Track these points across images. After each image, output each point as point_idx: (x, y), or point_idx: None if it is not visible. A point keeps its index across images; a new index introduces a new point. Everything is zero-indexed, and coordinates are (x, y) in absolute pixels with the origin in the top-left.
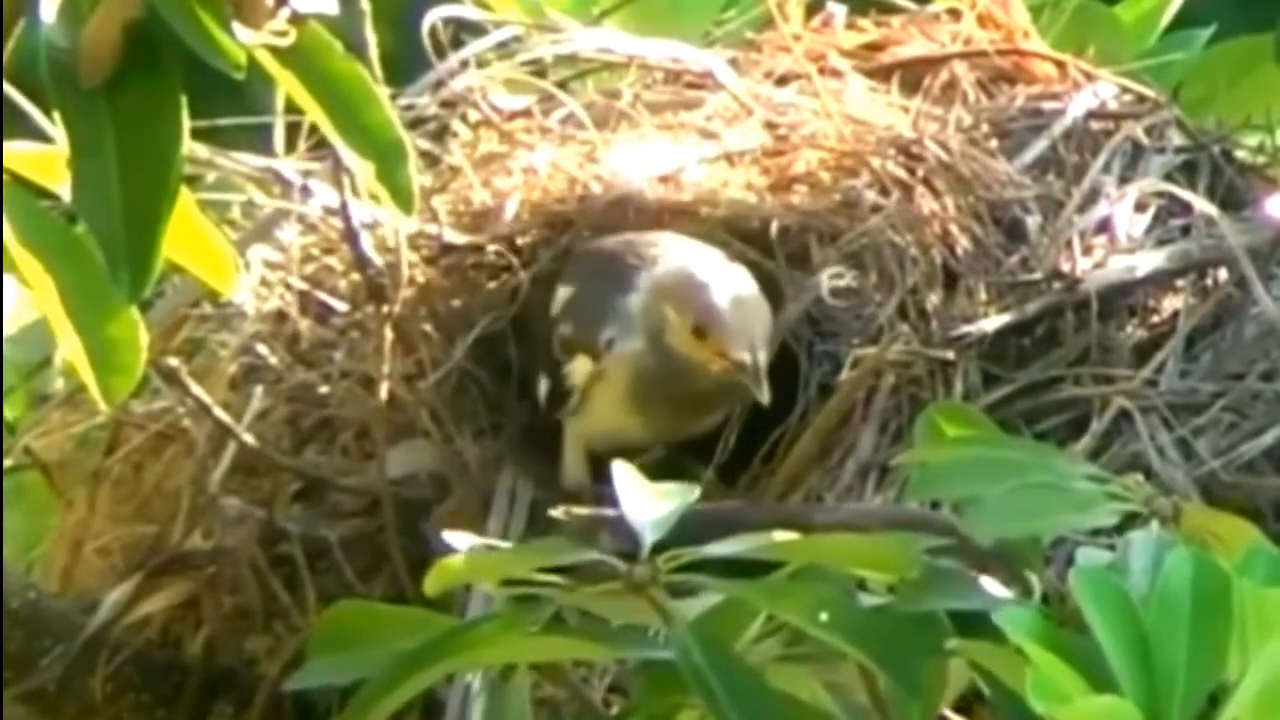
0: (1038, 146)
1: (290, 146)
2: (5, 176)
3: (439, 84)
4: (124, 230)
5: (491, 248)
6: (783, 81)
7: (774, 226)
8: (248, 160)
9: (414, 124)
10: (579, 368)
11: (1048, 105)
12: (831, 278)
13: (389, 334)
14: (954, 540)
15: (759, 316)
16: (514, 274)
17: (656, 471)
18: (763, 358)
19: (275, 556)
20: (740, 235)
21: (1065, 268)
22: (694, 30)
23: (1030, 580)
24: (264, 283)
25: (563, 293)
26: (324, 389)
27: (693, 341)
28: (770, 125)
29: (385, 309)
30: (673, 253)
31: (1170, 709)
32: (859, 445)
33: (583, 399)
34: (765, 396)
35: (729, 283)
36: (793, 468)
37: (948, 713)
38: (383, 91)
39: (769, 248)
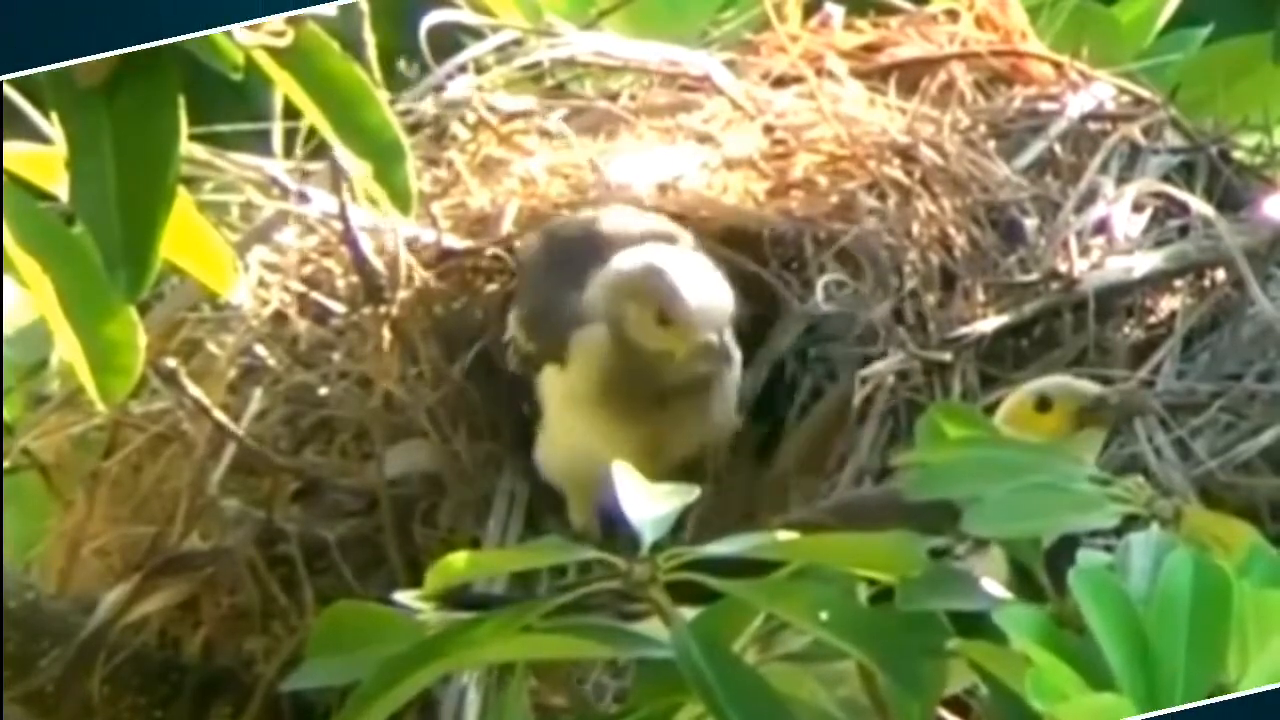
0: (1035, 147)
1: (289, 151)
2: (4, 176)
3: (438, 88)
4: (121, 230)
5: (490, 251)
6: (780, 83)
7: (768, 234)
8: (247, 162)
9: (413, 128)
10: (548, 379)
11: (1045, 106)
12: (826, 286)
13: (387, 335)
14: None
15: (720, 299)
16: (513, 278)
17: None
18: (727, 337)
19: (273, 557)
20: (738, 242)
21: (1063, 269)
22: (692, 30)
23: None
24: (262, 284)
25: (514, 314)
26: (322, 390)
27: (657, 331)
28: (768, 129)
29: (383, 310)
30: (627, 245)
31: (1169, 708)
32: (858, 448)
33: (545, 409)
34: (733, 374)
35: (688, 270)
36: (782, 475)
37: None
38: (380, 93)
39: (766, 256)
